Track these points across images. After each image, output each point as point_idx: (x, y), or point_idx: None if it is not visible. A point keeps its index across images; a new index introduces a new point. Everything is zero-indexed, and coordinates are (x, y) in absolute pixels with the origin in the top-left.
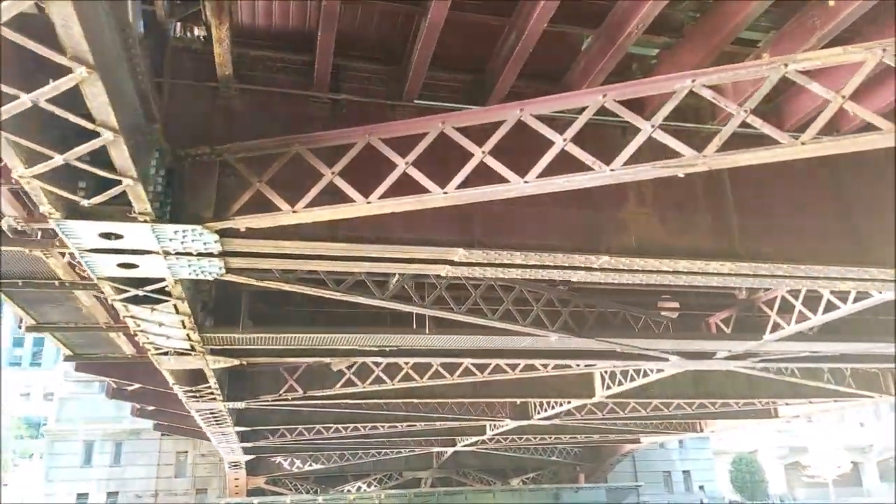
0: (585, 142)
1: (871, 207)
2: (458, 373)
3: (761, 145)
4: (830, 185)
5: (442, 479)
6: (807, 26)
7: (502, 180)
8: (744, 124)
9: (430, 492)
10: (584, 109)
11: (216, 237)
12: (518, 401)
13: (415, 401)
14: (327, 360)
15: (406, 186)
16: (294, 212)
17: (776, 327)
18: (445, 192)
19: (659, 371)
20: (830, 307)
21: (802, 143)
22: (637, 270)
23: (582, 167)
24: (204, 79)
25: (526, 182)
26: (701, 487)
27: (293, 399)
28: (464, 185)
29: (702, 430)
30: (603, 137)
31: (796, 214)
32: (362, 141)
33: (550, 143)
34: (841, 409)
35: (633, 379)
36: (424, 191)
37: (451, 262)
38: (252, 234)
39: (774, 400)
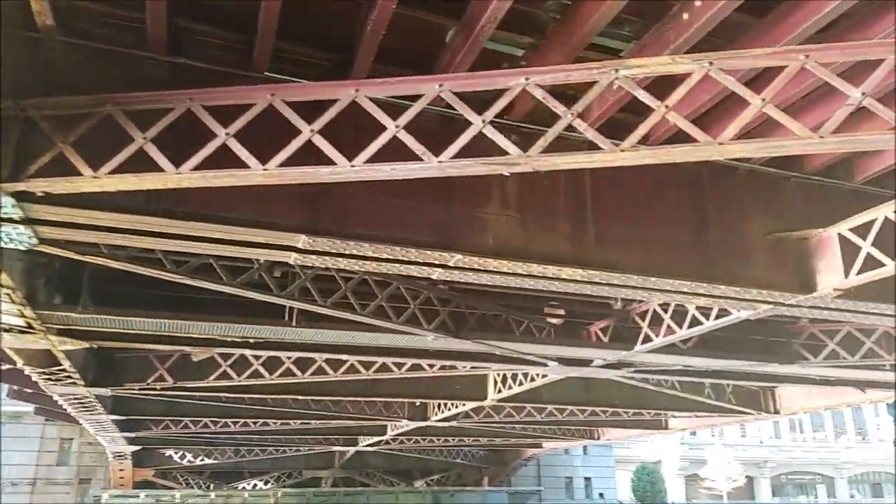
0: (434, 133)
1: (727, 225)
2: (342, 370)
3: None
4: (691, 198)
5: (344, 479)
6: (663, 38)
7: (331, 162)
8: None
9: (331, 491)
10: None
11: (13, 201)
12: (418, 401)
13: (304, 397)
14: (187, 349)
15: (227, 160)
16: (96, 177)
17: (647, 339)
18: (265, 169)
19: (544, 376)
20: (695, 322)
21: (621, 150)
22: (493, 271)
23: (415, 157)
24: (28, 28)
25: (353, 166)
26: (600, 494)
27: (163, 389)
28: (288, 163)
29: (598, 438)
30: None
31: (654, 226)
32: (181, 106)
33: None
34: (725, 424)
35: (521, 383)
36: (244, 166)
37: (296, 250)
38: (58, 200)
39: (662, 412)
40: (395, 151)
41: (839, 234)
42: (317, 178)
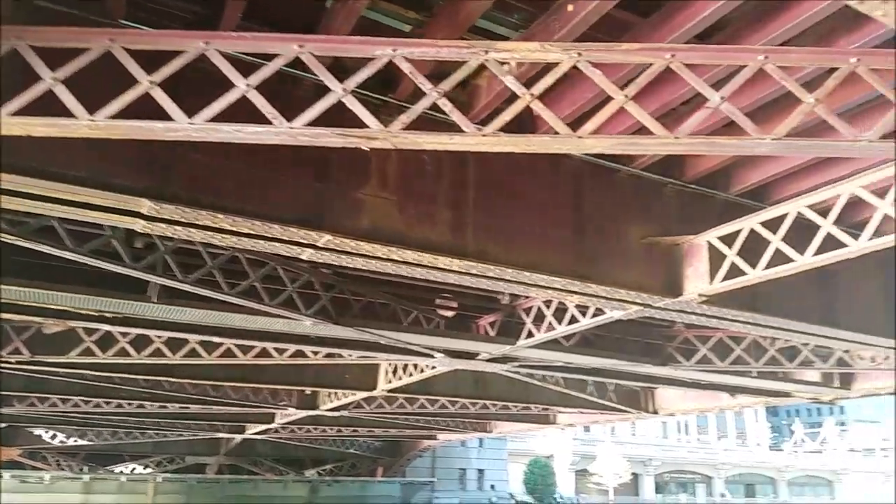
0: (301, 102)
1: (604, 226)
2: (217, 353)
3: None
4: (572, 198)
5: (231, 467)
6: (550, 28)
7: (169, 118)
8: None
9: (215, 479)
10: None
11: None
12: (308, 390)
13: (180, 380)
14: (37, 319)
15: (54, 107)
16: None
17: (529, 334)
18: (92, 120)
19: (433, 368)
20: (574, 320)
21: (483, 135)
22: (367, 256)
23: (265, 120)
24: None
25: (192, 123)
26: (492, 486)
27: (19, 362)
28: (121, 116)
29: (491, 431)
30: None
31: (534, 222)
32: (7, 45)
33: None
34: (608, 421)
35: (411, 374)
36: (69, 115)
37: (142, 216)
38: None
39: (549, 407)
40: (247, 115)
41: (708, 242)
42: (151, 135)
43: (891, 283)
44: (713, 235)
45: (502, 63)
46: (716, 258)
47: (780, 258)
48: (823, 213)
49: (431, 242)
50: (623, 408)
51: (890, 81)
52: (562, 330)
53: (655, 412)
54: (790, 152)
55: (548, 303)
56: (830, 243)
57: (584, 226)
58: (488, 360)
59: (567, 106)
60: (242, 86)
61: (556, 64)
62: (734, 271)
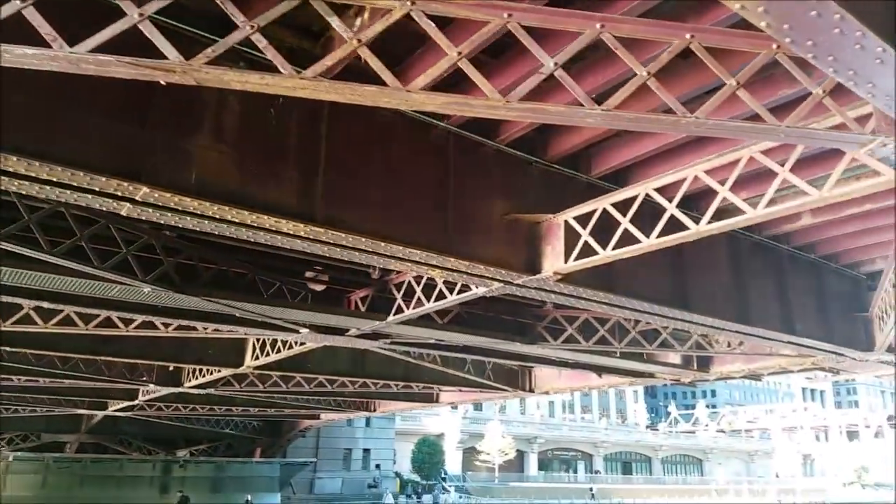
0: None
1: (467, 200)
2: (55, 320)
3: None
4: (435, 170)
5: (94, 445)
6: None
7: None
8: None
9: (74, 458)
10: None
11: None
12: (171, 366)
13: (19, 350)
14: None
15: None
16: None
17: (399, 310)
18: None
19: (302, 344)
20: (441, 296)
21: (301, 78)
22: (197, 214)
23: (43, 42)
24: None
25: None
26: (377, 466)
27: None
28: None
29: (374, 410)
30: None
31: (393, 191)
32: None
33: None
34: (488, 399)
35: (279, 350)
36: None
37: None
38: None
39: (430, 385)
40: (25, 37)
41: (565, 222)
42: None
43: (740, 272)
44: (570, 215)
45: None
46: (571, 237)
47: (628, 239)
48: (697, 197)
49: (274, 204)
50: (501, 386)
51: (742, 63)
52: (431, 306)
53: (532, 390)
54: (616, 124)
55: (418, 278)
56: (674, 226)
57: (446, 199)
58: (358, 336)
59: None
60: (18, 1)
61: (389, 11)
62: (587, 250)
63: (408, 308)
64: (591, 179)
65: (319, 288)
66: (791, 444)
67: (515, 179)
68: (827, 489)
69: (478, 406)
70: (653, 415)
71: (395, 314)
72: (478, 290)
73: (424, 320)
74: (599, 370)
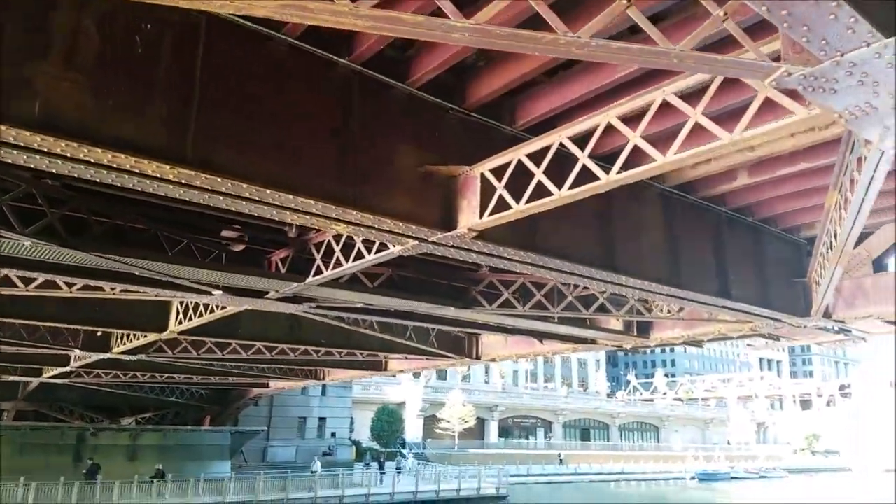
0: None
1: (374, 148)
2: None
3: None
4: (335, 112)
5: (34, 413)
6: None
7: None
8: None
9: (13, 426)
10: None
11: None
12: (100, 331)
13: None
14: None
15: None
16: None
17: (318, 271)
18: None
19: (222, 308)
20: (360, 255)
21: None
22: (44, 152)
23: None
24: None
25: None
26: (333, 434)
27: None
28: None
29: (323, 378)
30: None
31: (286, 131)
32: None
33: None
34: (436, 367)
35: (201, 315)
36: None
37: None
38: None
39: (376, 353)
40: None
41: (482, 174)
42: None
43: (673, 234)
44: (486, 167)
45: None
46: (487, 191)
47: (542, 191)
48: (614, 146)
49: (135, 141)
50: (446, 353)
51: None
52: (349, 266)
53: (479, 358)
54: (487, 42)
55: (337, 238)
56: (586, 176)
57: (349, 146)
58: (279, 300)
59: None
60: None
61: None
62: (502, 205)
63: (326, 269)
64: (515, 131)
65: (237, 248)
66: (745, 413)
67: (430, 128)
68: (781, 456)
69: (441, 375)
70: (613, 383)
71: (314, 275)
72: (394, 250)
73: (353, 284)
74: (541, 336)
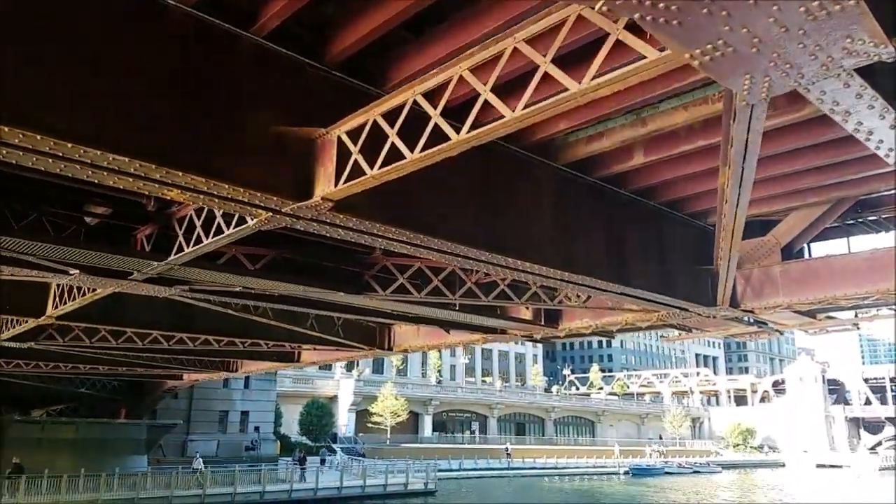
0: None
1: (217, 103)
2: None
3: None
4: (174, 61)
5: None
6: None
7: None
8: None
9: None
10: None
11: None
12: None
13: None
14: None
15: None
16: None
17: (180, 248)
18: None
19: (92, 290)
20: (220, 230)
21: None
22: None
23: None
24: None
25: None
26: (256, 428)
27: None
28: None
29: (236, 370)
30: None
31: (106, 81)
32: None
33: None
34: (349, 358)
35: (74, 298)
36: None
37: None
38: None
39: (283, 343)
40: None
41: (338, 137)
42: None
43: (566, 216)
44: (343, 130)
45: None
46: (343, 156)
47: (396, 155)
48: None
49: None
50: (355, 344)
51: None
52: (209, 242)
53: (391, 349)
54: None
55: (199, 211)
56: (438, 137)
57: (185, 101)
58: (145, 281)
59: None
60: None
61: None
62: (357, 171)
63: (188, 245)
64: (383, 93)
65: (92, 222)
66: (680, 408)
67: (284, 86)
68: (720, 451)
69: (377, 368)
70: (551, 378)
71: (176, 253)
72: (250, 223)
73: (231, 266)
74: (448, 326)
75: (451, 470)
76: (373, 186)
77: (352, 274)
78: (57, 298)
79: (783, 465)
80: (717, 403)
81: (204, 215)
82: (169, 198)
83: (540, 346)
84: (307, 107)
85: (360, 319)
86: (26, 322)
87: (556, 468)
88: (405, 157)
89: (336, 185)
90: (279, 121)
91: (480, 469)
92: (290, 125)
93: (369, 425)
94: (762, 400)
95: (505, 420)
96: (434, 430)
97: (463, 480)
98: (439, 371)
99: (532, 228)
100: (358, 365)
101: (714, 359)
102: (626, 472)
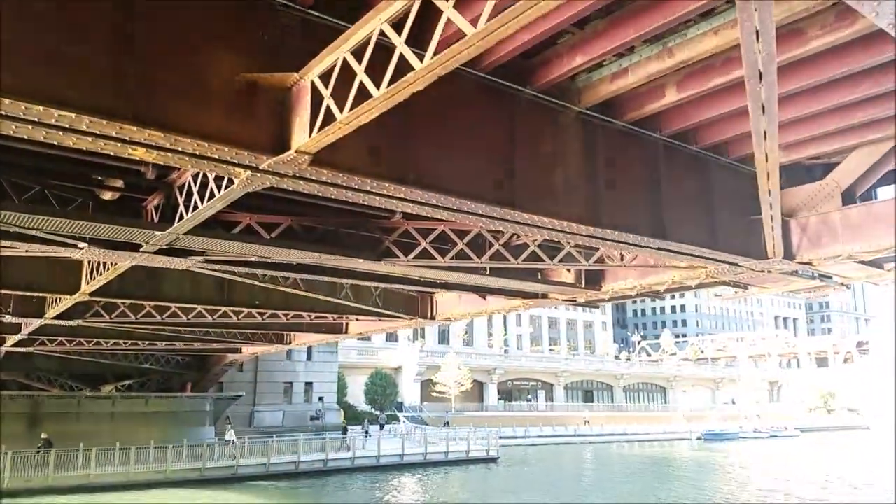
0: None
1: (177, 50)
2: None
3: None
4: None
5: (12, 382)
6: None
7: None
8: None
9: None
10: None
11: None
12: (35, 296)
13: None
14: None
15: None
16: None
17: (181, 216)
18: None
19: (114, 265)
20: (213, 194)
21: None
22: None
23: None
24: None
25: None
26: (320, 398)
27: None
28: None
29: (289, 343)
30: None
31: (47, 37)
32: None
33: None
34: (393, 329)
35: (100, 273)
36: None
37: None
38: None
39: (327, 315)
40: None
41: (312, 83)
42: None
43: (594, 164)
44: (316, 73)
45: None
46: (318, 103)
47: (364, 94)
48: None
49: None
50: (396, 314)
51: None
52: (205, 207)
53: (434, 318)
54: None
55: (196, 176)
56: (404, 68)
57: (140, 47)
58: (157, 253)
59: None
60: None
61: None
62: (329, 117)
63: (188, 212)
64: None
65: (106, 195)
66: (757, 372)
67: (253, 29)
68: (795, 415)
69: (443, 339)
70: (622, 345)
71: (178, 221)
72: (236, 185)
73: (245, 234)
74: (485, 292)
75: (518, 437)
76: (372, 144)
77: (372, 240)
78: (88, 275)
79: (867, 429)
80: (798, 366)
81: (199, 180)
82: (138, 157)
83: (609, 313)
84: (279, 50)
85: (400, 289)
86: (66, 299)
87: (624, 434)
88: (372, 96)
89: (311, 134)
90: (248, 67)
91: (546, 436)
92: (260, 71)
93: (434, 395)
94: (845, 361)
95: (572, 388)
96: (499, 398)
97: (529, 448)
98: (505, 341)
99: (556, 181)
100: (423, 336)
101: (794, 320)
102: (698, 438)
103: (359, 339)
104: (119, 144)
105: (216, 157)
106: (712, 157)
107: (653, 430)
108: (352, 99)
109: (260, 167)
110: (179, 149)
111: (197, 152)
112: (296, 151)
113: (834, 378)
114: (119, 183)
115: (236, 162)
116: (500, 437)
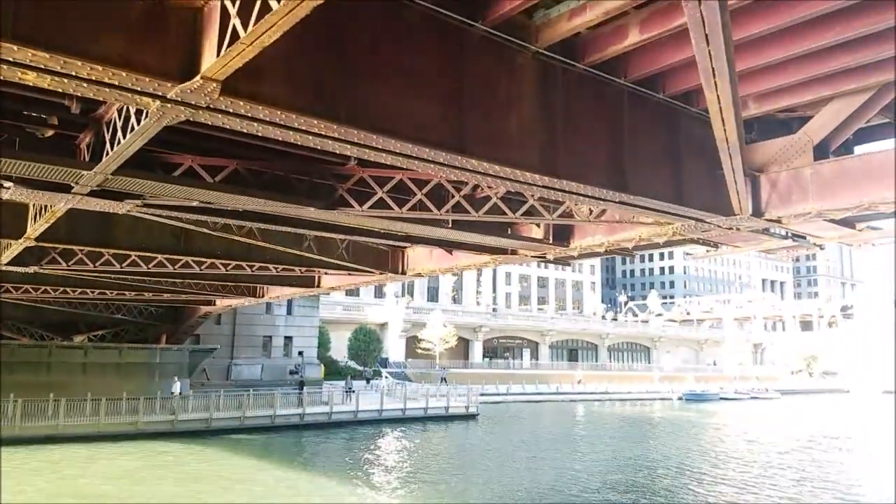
0: None
1: None
2: None
3: None
4: None
5: None
6: None
7: None
8: None
9: None
10: None
11: None
12: None
13: None
14: None
15: None
16: None
17: (107, 152)
18: None
19: (53, 207)
20: (132, 128)
21: None
22: None
23: None
24: None
25: None
26: (300, 353)
27: None
28: None
29: (262, 296)
30: None
31: None
32: None
33: None
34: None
35: (42, 215)
36: None
37: None
38: None
39: (294, 267)
40: None
41: (221, 1)
42: None
43: (550, 110)
44: None
45: None
46: (226, 23)
47: (266, 6)
48: None
49: None
50: (366, 268)
51: None
52: (128, 140)
53: (404, 273)
54: None
55: (120, 111)
56: None
57: None
58: (90, 195)
59: None
60: None
61: None
62: (234, 37)
63: (112, 147)
64: None
65: (47, 133)
66: (741, 334)
67: None
68: (777, 376)
69: (432, 297)
70: (609, 305)
71: (105, 157)
72: (150, 119)
73: (186, 178)
74: (451, 246)
75: (499, 394)
76: (299, 79)
77: (326, 188)
78: (33, 220)
79: (847, 392)
80: (784, 329)
81: (123, 115)
82: (30, 82)
83: (598, 273)
84: None
85: (369, 242)
86: (14, 244)
87: (606, 393)
88: (271, 9)
89: (217, 56)
90: None
91: (529, 394)
92: None
93: (419, 351)
94: (829, 325)
95: (557, 347)
96: (485, 356)
97: (510, 404)
98: (494, 299)
99: (510, 127)
100: (412, 294)
101: (782, 284)
102: (679, 398)
103: (346, 294)
104: (6, 67)
105: (115, 83)
106: (681, 107)
107: (635, 390)
108: (255, 14)
109: (168, 96)
110: (73, 73)
111: (92, 77)
112: (202, 78)
113: (817, 342)
114: (54, 120)
115: (139, 89)
116: (483, 395)
